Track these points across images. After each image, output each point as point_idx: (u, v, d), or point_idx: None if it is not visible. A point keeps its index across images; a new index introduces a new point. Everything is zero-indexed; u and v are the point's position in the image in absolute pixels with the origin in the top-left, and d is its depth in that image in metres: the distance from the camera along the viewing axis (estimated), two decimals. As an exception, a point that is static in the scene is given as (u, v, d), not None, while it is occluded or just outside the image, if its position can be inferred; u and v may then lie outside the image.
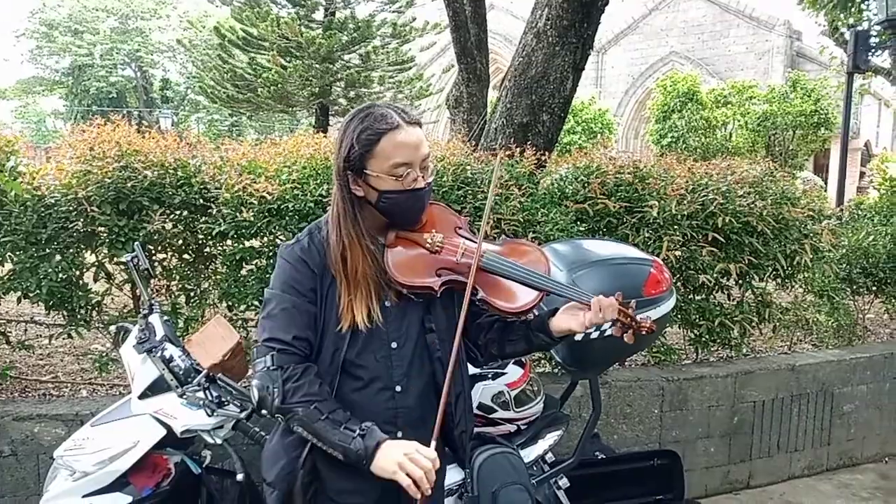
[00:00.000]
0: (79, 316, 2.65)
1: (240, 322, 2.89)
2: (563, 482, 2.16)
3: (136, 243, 1.91)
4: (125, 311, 2.84)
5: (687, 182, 3.28)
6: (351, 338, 1.40)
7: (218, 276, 2.83)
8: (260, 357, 1.37)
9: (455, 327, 1.43)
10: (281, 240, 2.70)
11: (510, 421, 2.06)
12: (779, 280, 3.65)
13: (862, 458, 3.95)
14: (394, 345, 1.44)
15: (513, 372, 2.07)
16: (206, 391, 1.70)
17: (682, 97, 13.52)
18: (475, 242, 1.47)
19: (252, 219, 2.56)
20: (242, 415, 1.65)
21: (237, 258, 2.68)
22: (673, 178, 3.26)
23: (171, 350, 1.81)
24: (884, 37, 6.05)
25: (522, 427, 2.10)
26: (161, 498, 1.80)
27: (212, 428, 1.71)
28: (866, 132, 24.74)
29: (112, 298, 2.88)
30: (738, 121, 13.13)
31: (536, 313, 1.55)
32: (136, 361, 1.81)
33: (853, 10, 7.63)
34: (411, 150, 1.39)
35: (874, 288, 4.38)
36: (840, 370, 3.80)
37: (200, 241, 2.85)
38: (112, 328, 2.12)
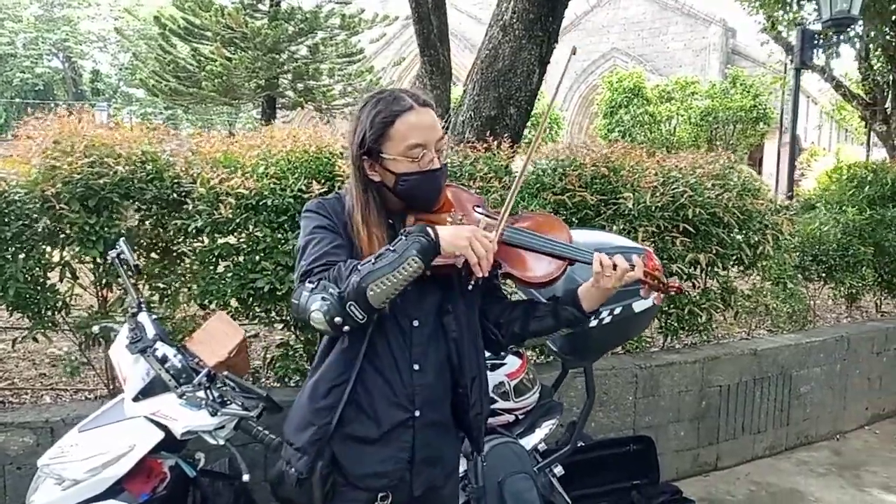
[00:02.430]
0: (45, 318, 2.51)
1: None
2: (558, 470, 2.19)
3: (122, 238, 1.82)
4: (92, 311, 2.70)
5: (656, 175, 3.37)
6: None
7: (191, 274, 2.73)
8: (299, 295, 1.32)
9: (472, 310, 1.51)
10: (257, 236, 2.63)
11: (509, 411, 2.07)
12: (740, 268, 3.80)
13: (816, 436, 4.17)
14: (415, 323, 1.45)
15: (512, 362, 2.08)
16: (208, 390, 1.64)
17: (628, 93, 13.88)
18: (494, 219, 1.48)
19: (231, 215, 2.47)
20: (253, 413, 1.59)
21: (215, 254, 2.59)
22: (644, 171, 3.34)
23: (164, 349, 1.73)
24: (826, 34, 6.37)
25: (520, 417, 2.12)
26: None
27: (214, 428, 1.65)
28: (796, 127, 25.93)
29: (74, 299, 2.74)
30: (682, 115, 13.60)
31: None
32: (128, 362, 1.73)
33: (792, 7, 7.98)
34: (426, 131, 1.40)
35: (824, 275, 4.61)
36: (797, 353, 3.98)
37: (170, 238, 2.75)
38: (95, 328, 2.01)
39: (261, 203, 2.56)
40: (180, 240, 2.74)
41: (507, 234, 1.47)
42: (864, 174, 4.80)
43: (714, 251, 3.39)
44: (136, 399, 1.70)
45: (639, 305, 1.91)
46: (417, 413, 1.45)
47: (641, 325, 2.12)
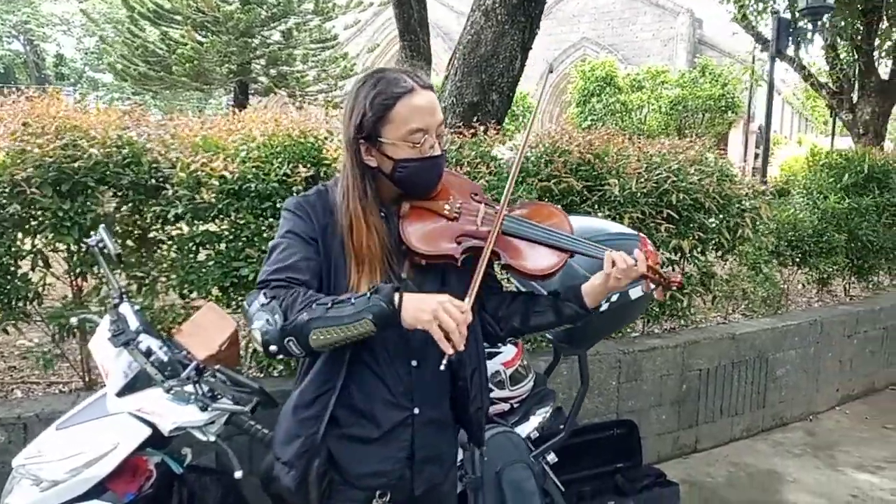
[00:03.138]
0: (16, 309, 2.40)
1: (190, 309, 2.72)
2: (551, 457, 2.18)
3: (102, 226, 1.73)
4: (66, 301, 2.59)
5: (639, 161, 3.37)
6: None
7: (169, 262, 2.65)
8: (252, 301, 1.25)
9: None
10: (239, 223, 2.56)
11: (504, 400, 2.05)
12: (718, 253, 3.84)
13: (790, 417, 4.26)
14: None
15: (507, 351, 2.06)
16: (197, 384, 1.57)
17: (601, 81, 13.94)
18: (493, 207, 1.44)
19: (213, 200, 2.39)
20: (246, 408, 1.53)
21: (196, 242, 2.51)
22: (628, 158, 3.33)
23: (148, 341, 1.66)
24: (796, 23, 6.48)
25: (515, 405, 2.10)
26: (144, 503, 1.67)
27: (204, 424, 1.59)
28: (760, 116, 26.48)
29: (47, 288, 2.62)
30: (653, 104, 13.70)
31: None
32: (110, 356, 1.65)
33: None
34: (427, 115, 1.34)
35: (798, 259, 4.70)
36: (773, 337, 4.05)
37: (147, 225, 2.66)
38: (73, 320, 1.92)
39: (244, 188, 2.48)
40: (158, 226, 2.65)
41: (508, 223, 1.43)
42: (840, 162, 4.89)
43: (696, 237, 3.42)
44: (119, 394, 1.62)
45: (635, 292, 1.90)
46: (416, 411, 1.40)
47: (637, 312, 2.12)
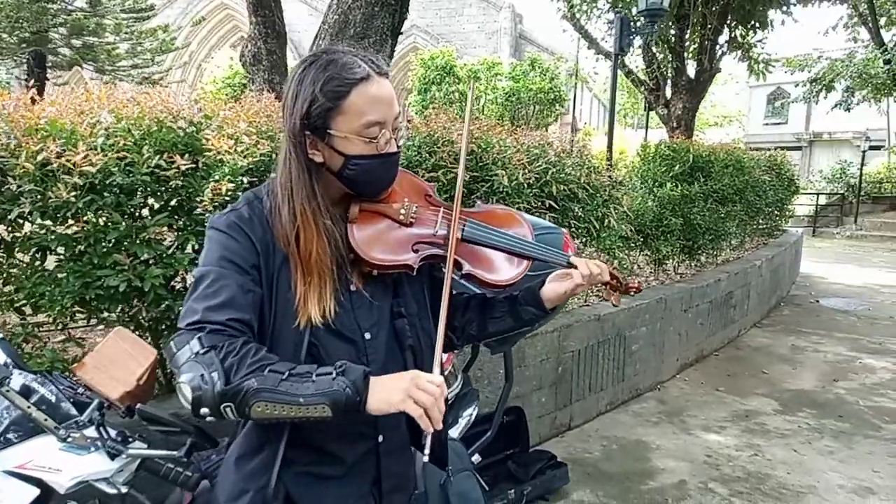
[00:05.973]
0: None
1: (31, 328, 2.27)
2: (476, 458, 2.13)
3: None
4: None
5: (519, 152, 3.42)
6: (313, 332, 1.18)
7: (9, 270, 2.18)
8: (182, 346, 1.04)
9: (424, 310, 1.33)
10: (106, 223, 2.16)
11: (437, 405, 1.95)
12: (584, 240, 4.06)
13: (644, 388, 4.66)
14: (367, 335, 1.24)
15: (439, 354, 1.95)
16: (101, 428, 1.28)
17: (440, 71, 14.19)
18: (450, 210, 1.32)
19: (73, 198, 1.99)
20: (179, 453, 1.26)
21: (42, 246, 2.08)
22: (509, 148, 3.37)
23: (23, 379, 1.32)
24: (641, 24, 7.13)
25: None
26: (25, 579, 1.33)
27: (112, 474, 1.30)
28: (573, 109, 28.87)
29: None
30: (489, 95, 14.26)
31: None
32: (-28, 402, 1.29)
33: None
34: (385, 106, 1.19)
35: (641, 242, 5.13)
36: (629, 316, 4.39)
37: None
38: None
39: (106, 182, 2.09)
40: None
41: (470, 229, 1.32)
42: (669, 153, 5.42)
43: (572, 226, 3.57)
44: (-9, 449, 1.28)
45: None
46: (381, 438, 1.26)
47: (564, 304, 2.12)
